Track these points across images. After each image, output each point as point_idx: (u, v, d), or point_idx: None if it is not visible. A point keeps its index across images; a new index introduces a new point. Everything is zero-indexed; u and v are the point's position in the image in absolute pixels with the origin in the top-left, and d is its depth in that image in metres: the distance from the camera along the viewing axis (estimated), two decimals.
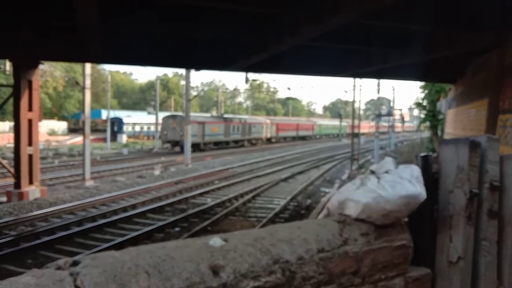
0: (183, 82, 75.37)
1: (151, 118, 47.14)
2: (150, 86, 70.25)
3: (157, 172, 20.27)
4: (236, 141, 42.87)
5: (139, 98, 76.62)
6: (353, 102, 23.55)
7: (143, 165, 23.96)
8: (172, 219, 10.99)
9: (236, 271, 1.51)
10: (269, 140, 49.22)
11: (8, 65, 20.54)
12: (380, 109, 45.63)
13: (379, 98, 73.57)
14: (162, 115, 40.68)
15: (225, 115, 50.32)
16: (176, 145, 34.61)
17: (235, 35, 10.32)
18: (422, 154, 1.98)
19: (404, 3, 6.64)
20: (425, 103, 25.35)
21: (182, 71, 79.44)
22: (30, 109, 12.90)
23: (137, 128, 54.00)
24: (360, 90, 42.34)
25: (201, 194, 14.82)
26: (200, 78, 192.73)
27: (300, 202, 13.82)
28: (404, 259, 2.04)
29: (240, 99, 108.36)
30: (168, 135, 35.39)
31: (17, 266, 7.70)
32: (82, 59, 14.04)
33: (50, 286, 1.26)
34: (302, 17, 7.96)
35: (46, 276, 1.49)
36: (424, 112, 25.81)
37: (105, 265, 1.47)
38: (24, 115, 12.75)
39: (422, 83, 24.39)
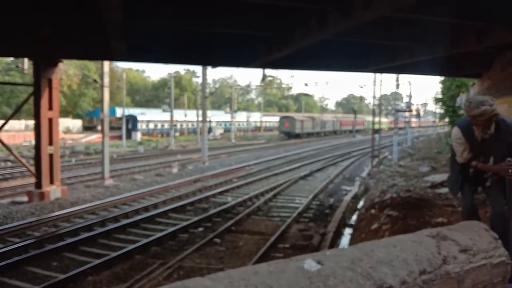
0: (195, 79, 75.39)
1: (165, 116, 47.21)
2: (163, 83, 70.38)
3: (174, 170, 20.19)
4: (318, 133, 59.60)
5: (152, 96, 76.70)
6: (374, 97, 23.23)
7: (160, 163, 23.95)
8: (195, 218, 10.84)
9: None
10: (335, 133, 64.23)
11: (26, 64, 20.64)
12: (395, 104, 44.99)
13: (392, 93, 72.73)
14: (176, 112, 44.69)
15: (312, 115, 69.20)
16: (288, 134, 53.16)
17: (256, 30, 10.04)
18: None
19: None
20: (444, 98, 24.84)
21: (194, 68, 79.63)
22: (50, 108, 12.86)
23: (151, 126, 54.17)
24: (381, 85, 41.60)
25: (221, 193, 14.67)
26: (212, 75, 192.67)
27: (323, 201, 13.59)
28: (503, 278, 1.83)
29: (252, 95, 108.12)
30: (283, 129, 54.99)
31: (43, 268, 7.59)
32: (103, 57, 13.93)
33: None
34: (331, 11, 7.70)
35: None
36: (444, 107, 25.30)
37: None
38: (45, 114, 12.71)
39: (442, 78, 23.92)
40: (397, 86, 33.73)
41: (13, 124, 42.33)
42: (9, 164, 23.04)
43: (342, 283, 1.36)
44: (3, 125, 13.55)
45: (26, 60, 20.62)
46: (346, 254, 1.59)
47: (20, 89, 47.28)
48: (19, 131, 42.69)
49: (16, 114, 18.22)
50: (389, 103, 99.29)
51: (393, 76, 33.50)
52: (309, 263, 1.45)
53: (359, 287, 1.39)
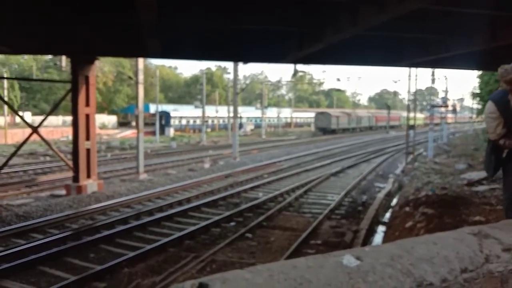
0: (226, 76, 75.68)
1: (197, 112, 47.79)
2: (195, 80, 71.12)
3: (206, 165, 20.43)
4: (353, 128, 59.58)
5: (184, 92, 77.71)
6: (409, 92, 22.75)
7: (192, 158, 24.27)
8: (227, 213, 10.94)
9: None
10: (371, 128, 64.50)
11: (64, 62, 21.35)
12: (430, 99, 43.84)
13: (427, 88, 70.94)
14: (208, 108, 44.90)
15: (347, 111, 69.60)
16: (323, 130, 54.11)
17: (287, 26, 10.00)
18: None
19: None
20: (482, 93, 24.03)
21: (225, 64, 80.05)
22: (87, 104, 13.25)
23: (184, 122, 54.96)
24: (416, 80, 40.68)
25: (252, 188, 14.74)
26: (242, 71, 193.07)
27: (355, 198, 13.43)
28: None
29: (282, 91, 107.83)
30: (318, 124, 56.34)
31: (80, 259, 7.85)
32: (138, 55, 14.23)
33: None
34: (364, 5, 7.58)
35: None
36: (482, 102, 24.49)
37: None
38: (82, 110, 13.11)
39: (480, 72, 23.16)
40: (433, 81, 32.86)
41: (52, 120, 43.89)
42: (48, 158, 23.94)
43: (381, 280, 1.35)
44: (43, 121, 14.07)
45: (64, 57, 21.33)
46: (385, 250, 1.57)
47: (58, 86, 48.98)
48: (57, 127, 44.28)
49: (54, 110, 18.91)
50: (424, 98, 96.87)
51: (428, 70, 32.66)
52: (348, 258, 1.45)
53: (399, 283, 1.37)
